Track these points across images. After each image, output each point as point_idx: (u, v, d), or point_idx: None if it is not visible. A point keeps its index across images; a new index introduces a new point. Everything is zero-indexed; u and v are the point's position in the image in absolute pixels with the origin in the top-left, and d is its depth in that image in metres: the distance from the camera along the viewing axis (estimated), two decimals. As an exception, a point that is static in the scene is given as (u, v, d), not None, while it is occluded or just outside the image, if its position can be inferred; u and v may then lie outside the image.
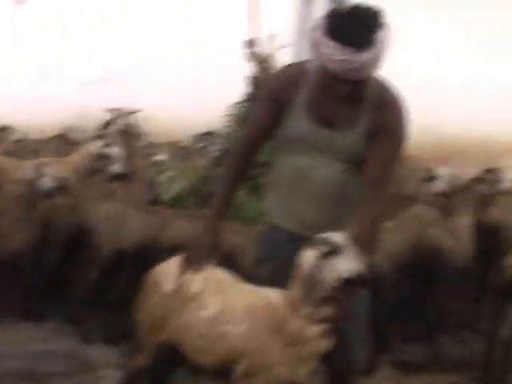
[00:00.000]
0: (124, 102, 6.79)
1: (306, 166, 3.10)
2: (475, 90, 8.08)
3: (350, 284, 2.84)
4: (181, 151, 6.58)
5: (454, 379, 4.91)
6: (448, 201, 5.84)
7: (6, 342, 4.70)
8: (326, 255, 2.86)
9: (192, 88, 7.19)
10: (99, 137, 6.03)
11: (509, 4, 8.14)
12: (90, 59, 7.11)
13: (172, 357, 3.38)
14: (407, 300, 5.11)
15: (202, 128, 6.96)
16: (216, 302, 3.13)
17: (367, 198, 3.00)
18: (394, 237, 4.66)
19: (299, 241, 3.00)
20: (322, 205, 3.13)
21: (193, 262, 3.19)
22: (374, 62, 2.89)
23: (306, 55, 7.20)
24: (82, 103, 6.97)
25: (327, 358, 3.09)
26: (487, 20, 8.25)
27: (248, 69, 5.72)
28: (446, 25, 7.87)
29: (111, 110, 6.61)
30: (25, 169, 4.62)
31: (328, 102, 3.02)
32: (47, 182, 4.49)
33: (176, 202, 5.39)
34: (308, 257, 2.89)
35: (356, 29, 2.82)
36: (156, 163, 5.76)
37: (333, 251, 2.85)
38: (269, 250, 3.32)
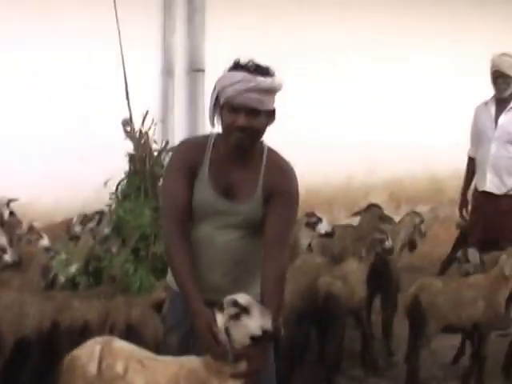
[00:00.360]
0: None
1: (208, 234, 3.31)
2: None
3: (260, 340, 3.12)
4: (64, 233, 6.64)
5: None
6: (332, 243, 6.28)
7: None
8: (234, 316, 3.11)
9: (69, 169, 7.25)
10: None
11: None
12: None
13: None
14: (304, 346, 5.40)
15: (82, 207, 7.08)
16: (141, 379, 3.31)
17: (270, 256, 3.24)
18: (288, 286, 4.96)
19: (208, 306, 3.21)
20: (224, 269, 3.33)
21: (219, 356, 3.14)
22: (272, 94, 3.24)
23: (172, 130, 7.57)
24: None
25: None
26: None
27: (127, 146, 5.91)
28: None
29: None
30: None
31: (227, 171, 3.27)
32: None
33: (70, 284, 5.47)
34: (219, 318, 3.14)
35: (259, 65, 3.22)
36: (45, 248, 5.81)
37: (241, 312, 3.10)
38: (176, 319, 3.46)
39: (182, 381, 3.25)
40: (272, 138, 3.51)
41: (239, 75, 3.18)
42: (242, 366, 3.16)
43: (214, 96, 3.30)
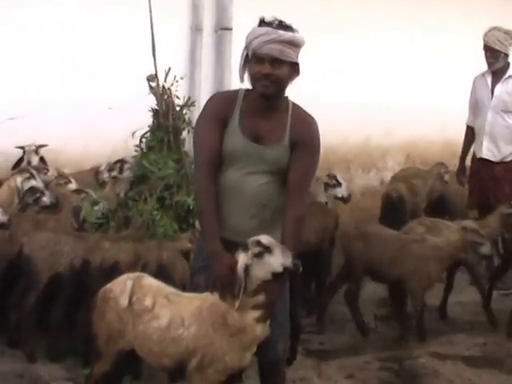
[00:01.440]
0: (30, 138, 7.19)
1: (238, 180, 3.62)
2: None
3: (280, 276, 3.45)
4: (93, 179, 6.96)
5: (367, 359, 5.48)
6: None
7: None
8: (258, 255, 3.45)
9: (98, 119, 7.52)
10: (17, 172, 6.41)
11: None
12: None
13: (128, 362, 3.91)
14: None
15: (110, 157, 7.37)
16: (167, 313, 3.67)
17: (291, 199, 3.60)
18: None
19: (232, 248, 3.53)
20: (251, 213, 3.64)
21: (227, 292, 3.49)
22: (294, 46, 3.58)
23: (199, 86, 7.81)
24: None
25: (257, 349, 3.68)
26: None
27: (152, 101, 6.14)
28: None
29: (22, 147, 7.02)
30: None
31: (256, 121, 3.60)
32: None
33: (98, 227, 5.80)
34: (242, 257, 3.47)
35: (281, 21, 3.59)
36: (76, 190, 6.12)
37: (264, 251, 3.44)
38: (205, 261, 3.71)
39: (205, 312, 3.61)
40: (294, 97, 3.83)
41: (263, 29, 3.56)
42: (261, 298, 3.51)
43: (244, 53, 3.65)
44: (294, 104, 3.73)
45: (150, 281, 3.90)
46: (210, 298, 3.65)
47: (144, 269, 4.80)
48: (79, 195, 5.93)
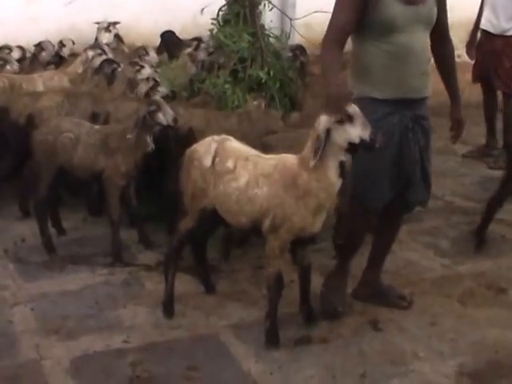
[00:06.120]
0: (102, 15, 7.34)
1: (405, 41, 3.81)
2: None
3: (356, 147, 3.57)
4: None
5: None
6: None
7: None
8: (339, 121, 3.54)
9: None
10: (89, 48, 6.58)
11: None
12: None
13: (211, 220, 4.13)
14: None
15: (180, 32, 7.49)
16: (245, 174, 3.84)
17: (448, 39, 4.09)
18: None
19: (399, 107, 3.85)
20: (422, 69, 3.91)
21: (337, 108, 3.54)
22: None
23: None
24: (69, 20, 7.39)
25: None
26: None
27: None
28: None
29: (98, 23, 7.19)
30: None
31: None
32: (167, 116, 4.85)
33: (173, 96, 5.95)
34: (323, 121, 3.58)
35: None
36: (131, 63, 6.13)
37: (346, 119, 3.52)
38: (379, 123, 3.76)
39: (277, 173, 3.78)
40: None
41: None
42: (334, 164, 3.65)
43: None
44: None
45: (233, 143, 4.04)
46: (284, 160, 3.81)
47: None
48: (133, 68, 5.96)
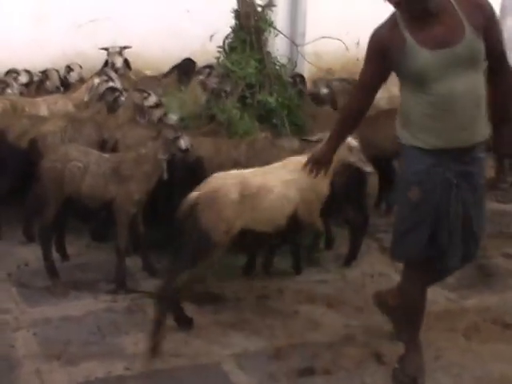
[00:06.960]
0: (109, 40, 7.36)
1: (449, 88, 3.46)
2: None
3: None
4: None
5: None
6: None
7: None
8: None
9: (176, 21, 7.64)
10: (96, 74, 6.59)
11: None
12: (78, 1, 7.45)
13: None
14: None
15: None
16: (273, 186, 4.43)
17: (503, 70, 3.61)
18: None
19: (445, 158, 3.57)
20: (469, 114, 3.53)
21: (318, 167, 4.04)
22: None
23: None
24: (75, 45, 7.39)
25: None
26: None
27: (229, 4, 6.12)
28: None
29: (106, 49, 7.20)
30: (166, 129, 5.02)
31: (429, 29, 3.47)
32: (186, 143, 4.90)
33: (182, 124, 5.96)
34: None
35: None
36: (138, 90, 6.10)
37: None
38: (418, 176, 3.63)
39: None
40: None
41: None
42: None
43: None
44: None
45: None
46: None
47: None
48: (141, 94, 5.95)
